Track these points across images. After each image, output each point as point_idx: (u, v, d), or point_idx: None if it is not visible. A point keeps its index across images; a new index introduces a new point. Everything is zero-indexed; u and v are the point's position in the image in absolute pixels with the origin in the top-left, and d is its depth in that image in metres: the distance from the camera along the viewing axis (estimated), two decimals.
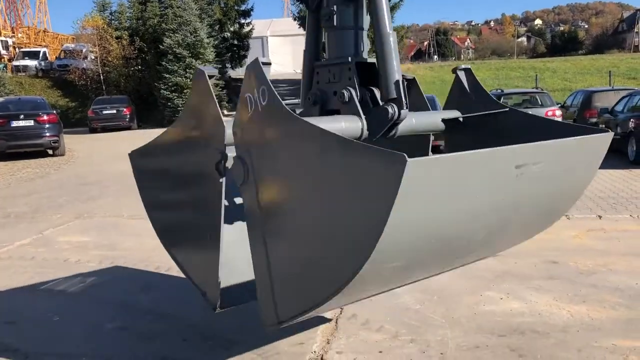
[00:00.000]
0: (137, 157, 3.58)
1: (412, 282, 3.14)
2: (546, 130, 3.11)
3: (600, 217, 7.09)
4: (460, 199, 2.26)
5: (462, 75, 3.62)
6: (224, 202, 2.78)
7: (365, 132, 2.93)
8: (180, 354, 3.82)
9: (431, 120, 3.49)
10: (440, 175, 2.09)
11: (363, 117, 2.92)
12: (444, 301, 4.51)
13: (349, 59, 3.06)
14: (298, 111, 3.07)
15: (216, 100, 2.72)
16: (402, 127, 3.08)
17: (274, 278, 2.57)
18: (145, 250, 6.31)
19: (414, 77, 3.65)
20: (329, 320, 4.25)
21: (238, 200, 3.31)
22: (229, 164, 2.71)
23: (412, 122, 3.19)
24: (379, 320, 4.20)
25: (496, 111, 3.49)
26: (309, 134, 2.24)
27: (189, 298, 4.77)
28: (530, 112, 11.68)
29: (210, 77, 2.74)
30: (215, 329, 4.19)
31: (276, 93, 2.38)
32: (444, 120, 3.52)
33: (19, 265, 5.97)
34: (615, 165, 11.18)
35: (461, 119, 3.58)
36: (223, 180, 2.68)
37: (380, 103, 2.95)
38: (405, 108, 2.86)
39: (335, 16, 3.12)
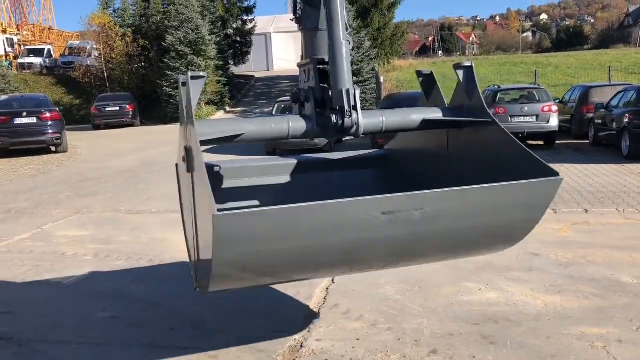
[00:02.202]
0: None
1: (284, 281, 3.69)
2: (509, 151, 3.11)
3: (586, 211, 7.21)
4: (287, 242, 2.53)
5: (460, 73, 3.46)
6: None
7: (317, 131, 3.05)
8: (167, 341, 3.99)
9: (402, 119, 3.43)
10: (254, 224, 2.41)
11: (314, 118, 3.02)
12: (424, 291, 4.66)
13: (312, 59, 3.17)
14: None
15: (192, 107, 2.94)
16: (369, 126, 3.16)
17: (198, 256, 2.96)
18: (139, 243, 6.50)
19: (431, 72, 3.63)
20: (312, 310, 4.41)
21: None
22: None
23: (380, 120, 3.27)
24: (359, 309, 4.36)
25: (477, 119, 3.38)
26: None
27: (179, 289, 4.95)
28: (526, 108, 11.58)
29: (183, 84, 3.01)
30: (203, 318, 4.36)
31: (193, 114, 2.79)
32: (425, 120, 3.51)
33: (17, 258, 6.16)
34: (609, 160, 11.30)
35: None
36: (191, 173, 2.84)
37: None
38: (349, 117, 2.90)
39: (303, 19, 3.25)
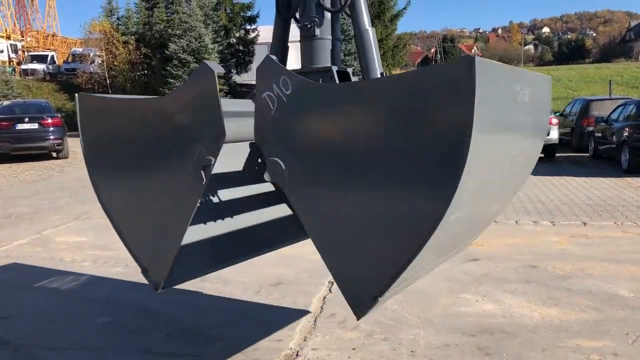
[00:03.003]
0: (91, 102, 3.20)
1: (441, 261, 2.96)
2: None
3: (585, 223, 7.22)
4: (505, 115, 2.28)
5: None
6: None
7: None
8: (163, 347, 3.99)
9: None
10: (497, 81, 2.13)
11: None
12: (421, 302, 4.66)
13: (332, 67, 3.15)
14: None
15: (221, 105, 2.48)
16: None
17: (353, 254, 2.40)
18: None
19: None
20: (308, 319, 4.41)
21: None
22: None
23: None
24: (356, 319, 4.35)
25: None
26: (360, 89, 2.27)
27: (175, 297, 4.96)
28: None
29: (219, 76, 2.54)
30: (198, 325, 4.36)
31: (299, 76, 2.35)
32: None
33: (16, 263, 6.16)
34: (608, 173, 11.32)
35: None
36: (204, 183, 2.59)
37: None
38: None
39: (315, 26, 3.25)
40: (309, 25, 3.21)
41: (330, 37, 3.29)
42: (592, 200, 8.63)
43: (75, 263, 6.12)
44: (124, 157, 3.13)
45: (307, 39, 3.25)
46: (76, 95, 3.23)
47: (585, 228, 7.01)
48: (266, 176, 2.52)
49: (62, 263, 6.14)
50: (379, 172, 2.22)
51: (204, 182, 2.59)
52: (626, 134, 11.53)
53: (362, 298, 2.37)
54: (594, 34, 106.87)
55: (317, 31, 3.23)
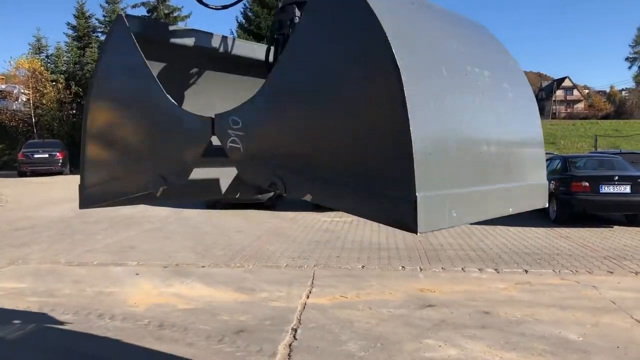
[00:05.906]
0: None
1: None
2: None
3: (526, 271, 7.60)
4: None
5: None
6: None
7: None
8: None
9: None
10: None
11: None
12: (386, 348, 4.72)
13: None
14: None
15: None
16: None
17: None
18: (85, 297, 6.23)
19: None
20: None
21: None
22: None
23: None
24: None
25: None
26: None
27: (135, 345, 4.78)
28: None
29: None
30: None
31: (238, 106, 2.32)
32: None
33: None
34: (539, 223, 11.99)
35: None
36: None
37: None
38: None
39: None
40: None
41: None
42: (529, 249, 9.10)
43: (18, 311, 5.76)
44: None
45: None
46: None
47: (527, 275, 7.37)
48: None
49: (2, 312, 5.76)
50: None
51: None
52: (553, 187, 12.32)
53: None
54: None
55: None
